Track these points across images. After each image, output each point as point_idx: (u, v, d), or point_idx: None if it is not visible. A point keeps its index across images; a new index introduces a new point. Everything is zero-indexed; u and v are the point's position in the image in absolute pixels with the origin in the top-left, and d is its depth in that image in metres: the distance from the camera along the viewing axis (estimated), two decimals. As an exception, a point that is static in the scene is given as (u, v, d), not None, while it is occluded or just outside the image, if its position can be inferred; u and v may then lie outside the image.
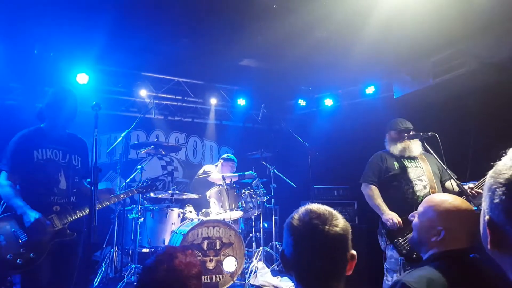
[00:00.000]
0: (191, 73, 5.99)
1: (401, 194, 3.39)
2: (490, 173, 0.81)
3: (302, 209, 1.27)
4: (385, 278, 3.35)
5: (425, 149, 3.44)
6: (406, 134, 3.51)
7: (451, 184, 3.41)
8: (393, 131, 3.60)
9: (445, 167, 3.23)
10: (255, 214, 4.76)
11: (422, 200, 1.72)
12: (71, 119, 2.70)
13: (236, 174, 4.85)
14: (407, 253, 3.13)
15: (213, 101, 6.33)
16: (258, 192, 4.72)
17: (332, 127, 6.24)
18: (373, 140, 4.39)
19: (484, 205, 0.82)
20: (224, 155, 5.36)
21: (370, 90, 6.03)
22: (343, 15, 3.92)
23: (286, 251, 1.24)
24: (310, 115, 6.73)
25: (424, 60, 4.84)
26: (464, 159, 3.55)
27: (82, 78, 5.24)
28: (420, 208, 1.75)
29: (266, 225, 5.31)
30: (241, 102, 6.41)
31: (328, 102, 6.50)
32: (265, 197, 4.82)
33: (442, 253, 1.58)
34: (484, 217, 0.81)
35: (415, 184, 3.38)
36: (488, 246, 0.79)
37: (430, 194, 3.30)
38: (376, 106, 5.84)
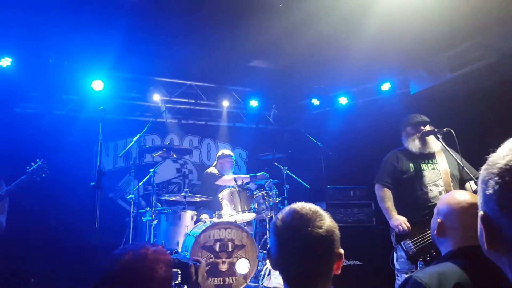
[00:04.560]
0: (203, 76, 6.03)
1: (414, 199, 3.31)
2: (484, 166, 0.76)
3: (286, 209, 1.25)
4: (396, 278, 3.30)
5: (444, 147, 3.30)
6: (422, 128, 3.39)
7: (470, 185, 3.27)
8: (409, 127, 3.49)
9: (462, 165, 3.10)
10: (268, 216, 4.71)
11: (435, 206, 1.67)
12: None
13: (248, 176, 4.84)
14: (413, 255, 3.08)
15: (225, 103, 6.34)
16: (270, 194, 4.67)
17: (347, 125, 6.13)
18: (390, 139, 4.27)
19: (478, 200, 0.77)
20: (219, 153, 5.37)
21: (385, 86, 5.88)
22: (354, 10, 3.82)
23: (272, 251, 1.24)
24: (324, 114, 6.63)
25: (440, 54, 4.68)
26: (483, 156, 3.41)
27: (98, 85, 5.36)
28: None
29: (280, 226, 5.25)
30: (254, 103, 6.39)
31: (343, 100, 6.37)
32: (277, 198, 4.77)
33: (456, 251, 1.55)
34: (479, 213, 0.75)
35: (430, 190, 3.28)
36: (485, 246, 0.73)
37: None
38: (392, 103, 5.69)
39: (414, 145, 3.42)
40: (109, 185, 5.71)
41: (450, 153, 3.23)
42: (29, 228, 4.82)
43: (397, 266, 3.28)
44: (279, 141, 6.33)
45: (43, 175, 3.24)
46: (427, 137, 3.39)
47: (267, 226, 5.19)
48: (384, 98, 5.91)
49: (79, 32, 4.45)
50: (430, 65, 4.98)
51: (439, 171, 3.32)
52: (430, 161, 3.39)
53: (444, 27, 3.97)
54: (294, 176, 5.35)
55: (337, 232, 1.21)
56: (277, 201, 4.76)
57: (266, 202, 4.59)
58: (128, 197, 4.97)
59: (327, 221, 1.20)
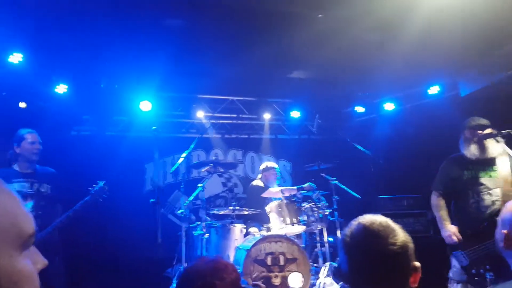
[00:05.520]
0: (244, 91, 6.13)
1: (467, 208, 3.15)
2: None
3: (354, 224, 1.20)
4: (449, 286, 3.15)
5: (506, 150, 3.09)
6: (479, 132, 3.20)
7: None
8: (466, 131, 3.31)
9: None
10: (318, 228, 4.61)
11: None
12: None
13: (295, 187, 4.78)
14: (466, 266, 2.91)
15: (267, 116, 6.39)
16: (319, 205, 4.58)
17: (395, 132, 5.92)
18: (442, 143, 4.08)
19: None
20: (262, 166, 5.36)
21: (434, 90, 5.63)
22: (396, 12, 3.70)
23: (342, 267, 1.20)
24: (370, 122, 6.44)
25: (490, 53, 4.42)
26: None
27: (146, 106, 5.60)
28: None
29: (331, 239, 5.11)
30: (295, 114, 6.38)
31: (389, 106, 6.16)
32: (327, 210, 4.66)
33: None
34: None
35: (482, 199, 3.09)
36: None
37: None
38: (441, 107, 5.43)
39: (470, 150, 3.23)
40: (160, 201, 5.88)
41: None
42: (88, 243, 5.06)
43: (450, 274, 3.15)
44: (323, 151, 6.22)
45: (104, 196, 3.39)
46: (485, 141, 3.18)
47: (317, 238, 5.06)
48: (433, 101, 5.66)
49: (128, 56, 4.69)
50: (480, 65, 4.72)
51: (498, 179, 3.11)
52: (489, 168, 3.18)
53: (493, 25, 3.75)
54: (343, 186, 5.21)
55: (411, 245, 1.16)
56: (326, 213, 4.65)
57: (316, 214, 4.49)
58: (179, 212, 5.08)
59: (401, 236, 1.14)
